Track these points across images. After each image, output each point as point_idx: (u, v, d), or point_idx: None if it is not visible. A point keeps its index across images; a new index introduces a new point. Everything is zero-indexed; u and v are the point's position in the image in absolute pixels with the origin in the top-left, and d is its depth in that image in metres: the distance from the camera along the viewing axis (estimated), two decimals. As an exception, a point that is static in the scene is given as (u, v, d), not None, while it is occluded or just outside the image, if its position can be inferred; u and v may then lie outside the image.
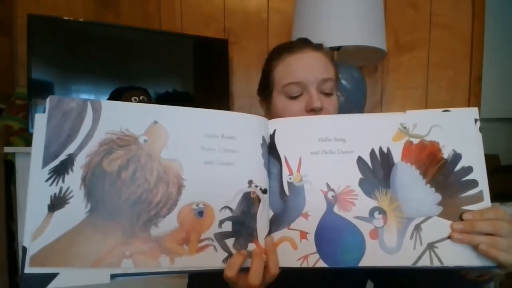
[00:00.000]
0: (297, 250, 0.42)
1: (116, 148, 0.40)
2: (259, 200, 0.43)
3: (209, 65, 1.53)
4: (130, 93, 1.19)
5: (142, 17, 1.61)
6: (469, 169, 0.41)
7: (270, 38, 1.62)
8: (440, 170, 0.41)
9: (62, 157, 0.38)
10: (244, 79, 1.63)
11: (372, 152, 0.43)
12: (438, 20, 1.59)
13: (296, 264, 0.41)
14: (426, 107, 1.61)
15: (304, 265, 0.41)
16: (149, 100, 1.22)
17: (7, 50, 1.58)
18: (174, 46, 1.48)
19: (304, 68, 0.57)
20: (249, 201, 0.43)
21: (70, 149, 0.39)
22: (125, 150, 0.40)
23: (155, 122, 0.41)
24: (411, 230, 0.40)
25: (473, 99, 1.61)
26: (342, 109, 1.18)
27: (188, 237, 0.40)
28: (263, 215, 0.43)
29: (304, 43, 0.61)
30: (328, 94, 0.58)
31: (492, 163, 1.92)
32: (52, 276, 0.36)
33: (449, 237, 0.40)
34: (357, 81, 1.20)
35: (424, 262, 0.39)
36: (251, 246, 0.42)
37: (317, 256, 0.41)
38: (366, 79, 1.27)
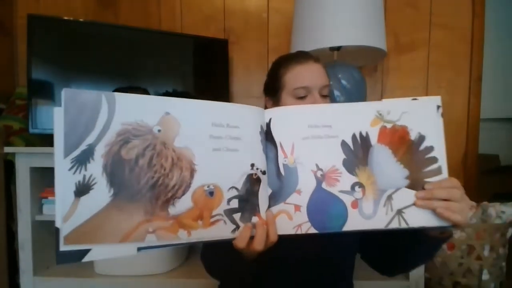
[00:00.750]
0: (293, 221, 0.50)
1: (132, 138, 0.43)
2: (260, 180, 0.50)
3: (209, 65, 1.53)
4: (130, 93, 1.19)
5: (142, 17, 1.61)
6: (431, 148, 0.51)
7: (270, 38, 1.62)
8: (408, 150, 0.50)
9: (83, 147, 0.41)
10: (244, 79, 1.63)
11: (354, 136, 0.51)
12: (438, 20, 1.59)
13: (292, 232, 0.50)
14: (426, 107, 1.61)
15: (299, 232, 0.50)
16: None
17: (7, 50, 1.58)
18: (174, 46, 1.48)
19: (310, 76, 0.71)
20: (252, 182, 0.50)
21: (89, 140, 0.41)
22: (140, 139, 0.43)
23: (167, 113, 0.45)
24: (384, 199, 0.49)
25: (473, 99, 1.61)
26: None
27: (201, 214, 0.46)
28: (263, 192, 0.50)
29: (307, 56, 0.74)
30: (325, 96, 0.72)
31: (492, 163, 1.92)
32: (86, 251, 0.40)
33: (414, 204, 0.49)
34: (357, 81, 1.20)
35: (394, 225, 0.48)
36: (254, 219, 0.49)
37: (309, 224, 0.50)
38: (366, 79, 1.27)
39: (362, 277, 1.17)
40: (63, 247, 0.39)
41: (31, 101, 1.24)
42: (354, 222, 0.49)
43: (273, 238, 0.49)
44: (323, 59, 1.29)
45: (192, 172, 0.46)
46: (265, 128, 0.52)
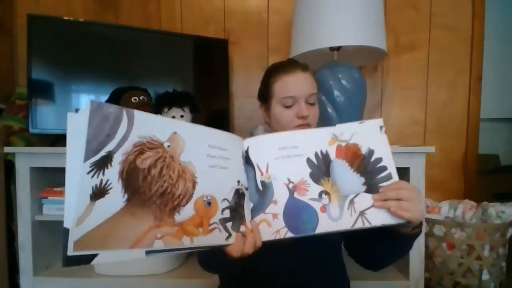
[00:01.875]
0: (272, 227, 0.58)
1: (146, 149, 0.48)
2: (244, 195, 0.59)
3: (209, 65, 1.53)
4: (130, 93, 1.19)
5: (142, 17, 1.61)
6: (380, 159, 0.61)
7: (270, 38, 1.62)
8: (361, 162, 0.60)
9: (102, 153, 0.44)
10: (244, 79, 1.63)
11: (316, 154, 0.61)
12: (438, 20, 1.59)
13: (272, 237, 0.57)
14: (426, 107, 1.61)
15: (278, 237, 0.57)
16: (149, 100, 1.21)
17: (7, 50, 1.58)
18: (174, 46, 1.48)
19: (297, 86, 0.77)
20: (239, 195, 0.58)
21: (109, 147, 0.45)
22: (153, 152, 0.49)
23: (175, 133, 0.52)
24: (347, 203, 0.58)
25: (473, 99, 1.61)
26: (342, 109, 1.19)
27: (201, 222, 0.51)
28: (247, 205, 0.59)
29: (295, 66, 0.79)
30: (312, 104, 0.79)
31: (492, 163, 1.92)
32: (94, 255, 0.41)
33: (372, 206, 0.57)
34: (357, 81, 1.20)
35: (359, 225, 0.56)
36: (242, 228, 0.57)
37: (285, 229, 0.57)
38: (366, 79, 1.27)
39: (362, 277, 1.17)
40: (71, 252, 0.39)
41: (31, 101, 1.24)
42: (325, 225, 0.57)
43: (258, 243, 0.57)
44: (323, 59, 1.30)
45: (194, 184, 0.52)
46: (244, 154, 0.62)
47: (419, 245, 1.14)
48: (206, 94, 1.52)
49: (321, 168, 0.60)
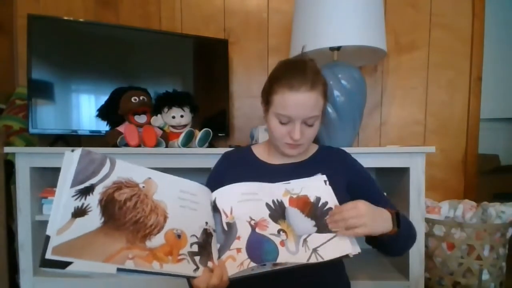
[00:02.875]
0: (236, 261, 0.62)
1: (124, 187, 0.58)
2: (212, 235, 0.65)
3: (209, 65, 1.53)
4: (130, 93, 1.19)
5: (142, 17, 1.61)
6: (326, 203, 0.71)
7: (270, 38, 1.62)
8: (311, 208, 0.70)
9: (86, 184, 0.54)
10: (244, 79, 1.63)
11: (273, 201, 0.71)
12: (438, 20, 1.59)
13: (236, 270, 0.61)
14: (426, 107, 1.61)
15: (241, 268, 0.60)
16: (149, 100, 1.22)
17: (7, 50, 1.58)
18: (174, 46, 1.48)
19: (296, 107, 0.73)
20: (207, 234, 0.64)
21: (92, 181, 0.55)
22: (130, 189, 0.59)
23: (149, 178, 0.62)
24: (301, 242, 0.65)
25: (473, 99, 1.61)
26: (342, 109, 1.19)
27: (171, 251, 0.57)
28: (214, 245, 0.65)
29: (303, 81, 0.72)
30: (310, 125, 0.76)
31: (492, 163, 1.92)
32: (69, 263, 0.47)
33: (323, 244, 0.65)
34: (357, 81, 1.20)
35: (313, 260, 0.63)
36: (210, 264, 0.61)
37: (248, 260, 0.62)
38: (366, 79, 1.27)
39: (362, 277, 1.17)
40: (49, 256, 0.46)
41: (31, 101, 1.25)
42: (284, 256, 0.62)
43: (225, 278, 0.60)
44: (323, 59, 1.30)
45: (165, 218, 0.60)
46: (212, 203, 0.70)
47: (419, 245, 1.14)
48: (206, 94, 1.52)
49: (278, 212, 0.69)
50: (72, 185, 0.52)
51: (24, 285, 1.16)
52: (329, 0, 1.18)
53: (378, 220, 0.66)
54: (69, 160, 0.54)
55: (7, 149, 1.16)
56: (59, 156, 1.12)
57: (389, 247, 0.75)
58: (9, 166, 1.27)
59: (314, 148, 0.88)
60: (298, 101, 0.72)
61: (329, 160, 0.84)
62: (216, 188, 0.72)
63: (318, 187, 0.73)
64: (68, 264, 0.47)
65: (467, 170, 1.62)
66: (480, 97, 1.61)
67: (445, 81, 1.61)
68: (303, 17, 1.25)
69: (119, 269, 0.50)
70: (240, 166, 0.85)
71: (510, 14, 2.10)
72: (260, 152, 0.87)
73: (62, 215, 0.50)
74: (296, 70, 0.74)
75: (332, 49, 1.26)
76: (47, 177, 1.21)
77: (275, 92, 0.74)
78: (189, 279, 0.60)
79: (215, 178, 0.83)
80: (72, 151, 0.55)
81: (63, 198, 0.51)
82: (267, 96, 0.78)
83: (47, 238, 0.47)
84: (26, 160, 1.13)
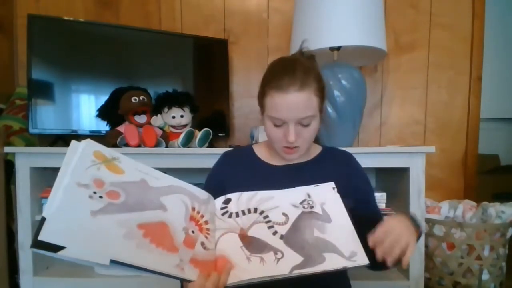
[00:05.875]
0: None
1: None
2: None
3: (209, 65, 1.53)
4: (130, 93, 1.19)
5: (142, 17, 1.61)
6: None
7: (270, 38, 1.62)
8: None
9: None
10: (244, 79, 1.63)
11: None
12: (438, 20, 1.59)
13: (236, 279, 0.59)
14: (426, 107, 1.61)
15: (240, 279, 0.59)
16: (149, 100, 1.22)
17: (7, 50, 1.58)
18: (174, 46, 1.48)
19: (286, 109, 0.70)
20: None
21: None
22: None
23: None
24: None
25: (473, 99, 1.61)
26: (342, 109, 1.19)
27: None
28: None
29: (291, 82, 0.69)
30: (306, 126, 0.72)
31: (492, 163, 1.92)
32: (61, 247, 0.44)
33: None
34: (357, 81, 1.20)
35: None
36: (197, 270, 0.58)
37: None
38: (366, 79, 1.27)
39: (362, 277, 1.17)
40: (42, 237, 0.44)
41: (31, 101, 1.24)
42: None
43: (221, 284, 0.57)
44: (323, 59, 1.30)
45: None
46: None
47: (419, 245, 1.14)
48: (206, 94, 1.52)
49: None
50: (74, 172, 0.52)
51: (24, 285, 1.16)
52: (329, 0, 1.18)
53: (410, 228, 0.60)
54: (75, 148, 0.55)
55: (7, 149, 1.16)
56: (59, 156, 1.13)
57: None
58: (9, 166, 1.27)
59: (318, 149, 0.85)
60: (288, 102, 0.69)
61: (333, 162, 0.82)
62: (215, 188, 0.70)
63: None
64: (60, 248, 0.44)
65: (467, 170, 1.62)
66: (480, 97, 1.61)
67: (445, 81, 1.61)
68: (303, 17, 1.25)
69: (112, 261, 0.48)
70: (241, 167, 0.82)
71: (510, 14, 2.09)
72: (262, 152, 0.85)
73: (61, 199, 0.49)
74: (284, 71, 0.71)
75: (332, 49, 1.26)
76: (47, 177, 1.21)
77: (266, 95, 0.72)
78: (183, 282, 0.58)
79: (215, 178, 0.82)
80: (80, 141, 0.55)
81: (64, 182, 0.51)
82: (260, 100, 0.76)
83: (43, 219, 0.45)
84: (26, 160, 1.13)
